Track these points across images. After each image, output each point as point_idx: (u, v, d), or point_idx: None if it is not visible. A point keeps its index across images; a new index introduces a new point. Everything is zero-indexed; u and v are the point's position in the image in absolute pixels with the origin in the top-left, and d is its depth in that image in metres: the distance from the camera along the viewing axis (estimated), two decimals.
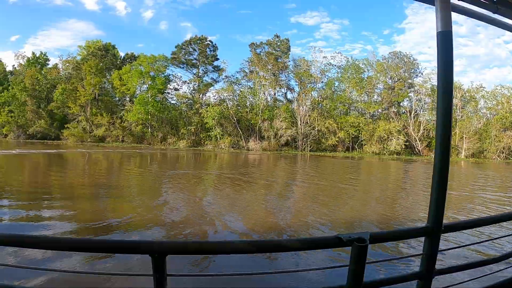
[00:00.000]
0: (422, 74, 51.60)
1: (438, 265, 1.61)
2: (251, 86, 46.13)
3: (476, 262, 1.90)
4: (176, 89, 48.72)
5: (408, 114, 46.73)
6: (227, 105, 43.47)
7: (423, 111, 48.47)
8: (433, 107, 50.49)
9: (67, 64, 49.52)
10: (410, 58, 52.28)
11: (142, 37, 79.97)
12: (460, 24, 61.83)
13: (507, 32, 1.89)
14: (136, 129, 43.76)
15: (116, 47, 53.71)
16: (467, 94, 48.58)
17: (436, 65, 1.50)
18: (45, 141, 43.11)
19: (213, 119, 40.31)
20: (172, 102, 47.57)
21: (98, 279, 4.08)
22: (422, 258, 1.60)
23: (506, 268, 2.90)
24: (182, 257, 4.06)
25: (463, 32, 64.28)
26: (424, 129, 47.35)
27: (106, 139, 43.83)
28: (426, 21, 68.96)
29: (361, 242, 1.31)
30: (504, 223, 6.48)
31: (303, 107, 43.25)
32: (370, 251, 1.35)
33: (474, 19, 1.63)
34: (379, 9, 72.31)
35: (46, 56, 53.71)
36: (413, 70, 52.32)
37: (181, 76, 47.68)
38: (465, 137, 45.21)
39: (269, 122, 41.96)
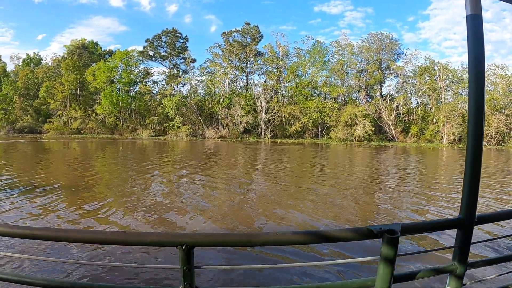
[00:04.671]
0: (405, 55, 48.70)
1: (471, 258, 1.52)
2: (216, 74, 46.30)
3: (510, 255, 1.78)
4: (155, 82, 50.71)
5: (380, 97, 44.12)
6: (189, 94, 44.05)
7: (401, 94, 45.44)
8: (415, 89, 47.37)
9: (53, 63, 53.17)
10: (391, 39, 49.46)
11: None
12: (486, 9, 57.52)
13: None
14: (109, 121, 46.07)
15: (99, 44, 57.07)
16: (450, 74, 44.64)
17: (462, 50, 1.57)
18: (31, 134, 46.92)
19: (171, 109, 41.19)
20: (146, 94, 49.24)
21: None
22: (454, 250, 1.51)
23: None
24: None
25: (488, 17, 60.52)
26: (402, 113, 44.48)
27: (83, 131, 46.64)
28: (451, 6, 65.73)
29: (392, 233, 1.27)
30: None
31: (263, 93, 42.55)
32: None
33: (501, 2, 1.53)
34: None
35: (39, 55, 58.42)
36: (395, 51, 49.44)
37: (152, 69, 49.15)
38: (447, 121, 41.84)
39: (228, 109, 41.93)
